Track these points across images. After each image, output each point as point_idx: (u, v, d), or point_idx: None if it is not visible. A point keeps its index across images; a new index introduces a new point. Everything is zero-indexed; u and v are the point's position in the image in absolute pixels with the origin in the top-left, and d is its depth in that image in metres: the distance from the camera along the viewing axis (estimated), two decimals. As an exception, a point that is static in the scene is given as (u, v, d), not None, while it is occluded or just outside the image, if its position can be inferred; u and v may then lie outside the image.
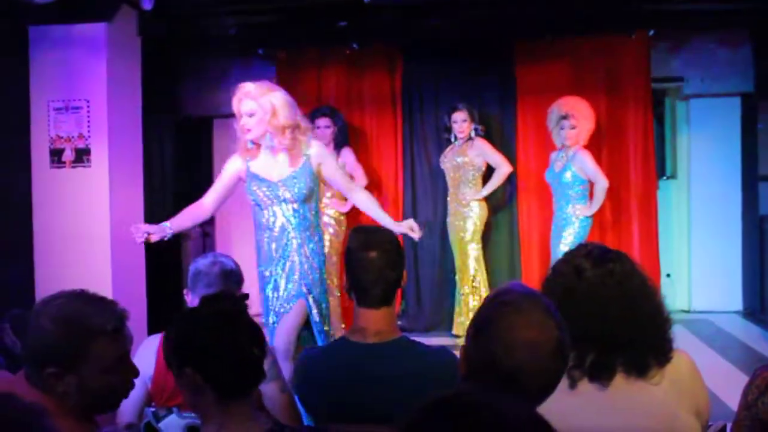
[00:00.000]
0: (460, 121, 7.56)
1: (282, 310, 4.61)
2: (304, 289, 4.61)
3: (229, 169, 4.84)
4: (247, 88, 4.71)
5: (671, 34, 8.28)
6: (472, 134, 7.59)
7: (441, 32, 7.87)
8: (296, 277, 4.60)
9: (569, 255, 2.38)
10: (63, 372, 2.08)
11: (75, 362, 2.09)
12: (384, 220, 4.79)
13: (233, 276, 3.36)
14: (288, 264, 4.62)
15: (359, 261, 2.76)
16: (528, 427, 1.19)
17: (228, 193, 4.94)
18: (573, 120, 7.15)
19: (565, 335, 1.87)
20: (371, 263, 2.74)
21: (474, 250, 7.58)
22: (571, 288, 2.28)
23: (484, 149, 7.59)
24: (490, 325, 1.85)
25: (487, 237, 7.84)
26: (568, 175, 7.11)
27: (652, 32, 7.88)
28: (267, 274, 4.66)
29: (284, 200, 4.61)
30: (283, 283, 4.61)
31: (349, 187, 4.98)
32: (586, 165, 7.10)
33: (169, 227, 4.64)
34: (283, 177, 4.62)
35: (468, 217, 7.55)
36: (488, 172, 7.67)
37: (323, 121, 7.53)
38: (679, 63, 8.58)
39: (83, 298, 2.17)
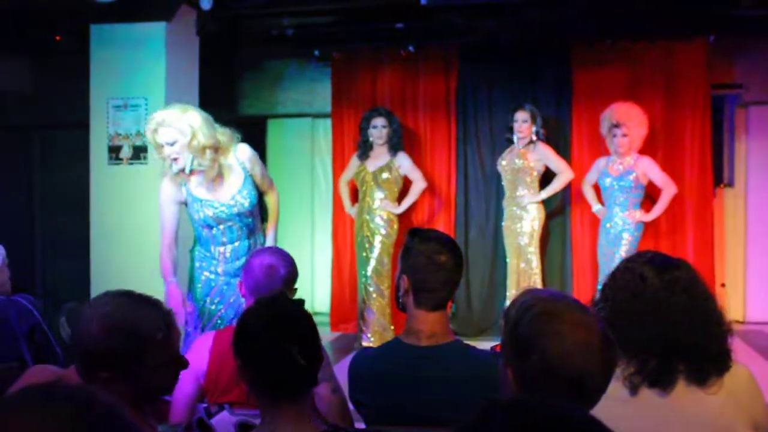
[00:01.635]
0: (521, 121, 7.50)
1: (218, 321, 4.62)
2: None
3: (169, 200, 4.67)
4: (159, 117, 4.49)
5: (731, 40, 8.15)
6: (533, 137, 7.52)
7: (497, 34, 7.84)
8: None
9: (630, 262, 2.36)
10: (116, 377, 2.11)
11: (128, 368, 2.12)
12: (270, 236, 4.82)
13: (289, 277, 3.35)
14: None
15: (429, 264, 2.73)
16: (589, 430, 1.18)
17: (174, 225, 4.75)
18: (625, 128, 7.10)
19: (603, 324, 1.86)
20: (442, 266, 2.72)
21: (532, 254, 7.52)
22: (635, 294, 2.26)
23: (546, 154, 7.53)
24: (535, 340, 1.82)
25: (541, 243, 7.78)
26: (631, 179, 7.08)
27: (712, 38, 7.77)
28: (211, 278, 4.68)
29: (239, 215, 4.59)
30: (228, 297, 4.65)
31: (270, 188, 4.92)
32: (654, 171, 7.15)
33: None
34: (233, 193, 4.57)
35: (525, 220, 7.49)
36: (545, 175, 7.62)
37: (380, 121, 7.55)
38: (739, 69, 8.44)
39: (131, 302, 2.18)
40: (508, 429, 1.13)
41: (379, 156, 7.62)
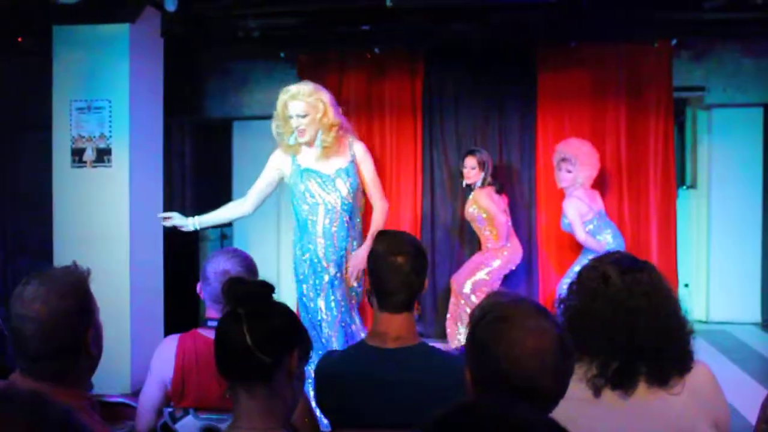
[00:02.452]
0: (469, 168, 7.37)
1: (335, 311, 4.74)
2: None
3: (273, 165, 4.95)
4: (294, 89, 4.77)
5: (694, 43, 8.25)
6: (478, 184, 7.34)
7: (463, 37, 7.86)
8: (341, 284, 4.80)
9: (596, 261, 2.38)
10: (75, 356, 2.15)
11: (78, 346, 2.20)
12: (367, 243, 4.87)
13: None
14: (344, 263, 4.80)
15: (385, 265, 2.76)
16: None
17: (270, 189, 5.08)
18: (569, 164, 7.09)
19: (563, 330, 1.87)
20: (399, 268, 2.73)
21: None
22: (596, 293, 2.28)
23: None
24: (490, 344, 1.83)
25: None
26: (565, 221, 7.14)
27: (674, 41, 7.86)
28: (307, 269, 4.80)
29: (339, 193, 4.68)
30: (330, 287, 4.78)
31: (378, 195, 5.03)
32: (567, 214, 7.06)
33: (193, 224, 4.94)
34: (336, 170, 4.74)
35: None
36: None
37: None
38: (701, 72, 8.54)
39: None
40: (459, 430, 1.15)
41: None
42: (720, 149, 8.80)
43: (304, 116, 4.72)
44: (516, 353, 1.79)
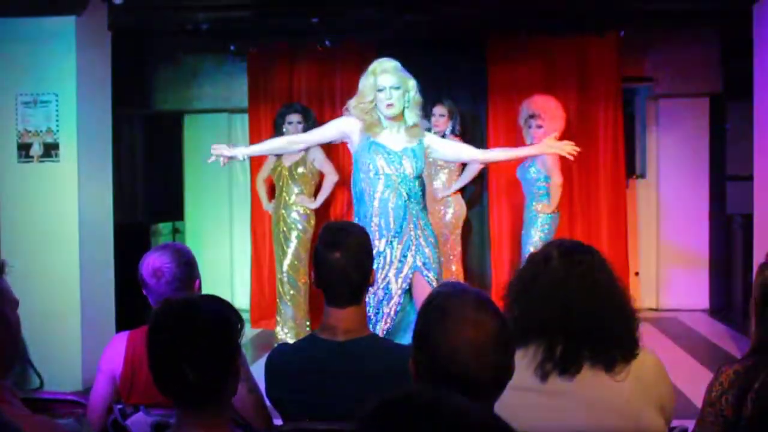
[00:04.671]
0: (438, 115, 7.60)
1: (392, 287, 4.65)
2: (419, 263, 4.68)
3: (339, 126, 4.93)
4: (387, 63, 4.80)
5: (641, 34, 8.35)
6: (447, 131, 7.58)
7: (413, 29, 7.87)
8: (412, 251, 4.67)
9: (545, 246, 2.43)
10: None
11: None
12: (520, 152, 5.70)
13: (179, 278, 3.10)
14: (404, 238, 4.67)
15: (324, 260, 2.76)
16: (481, 422, 1.20)
17: (320, 143, 5.49)
18: (539, 120, 7.14)
19: (504, 323, 1.87)
20: (335, 263, 2.73)
21: (455, 242, 7.61)
22: (536, 274, 2.32)
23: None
24: (429, 335, 1.84)
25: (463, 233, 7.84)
26: (532, 171, 7.04)
27: (622, 33, 7.95)
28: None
29: (404, 173, 4.67)
30: (398, 256, 4.66)
31: (469, 148, 5.37)
32: (546, 160, 7.01)
33: (243, 154, 5.03)
34: (404, 147, 4.72)
35: (447, 215, 7.55)
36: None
37: (295, 117, 7.53)
38: (648, 63, 8.66)
39: None
40: (399, 424, 1.16)
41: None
42: (668, 139, 8.92)
43: (397, 88, 4.71)
44: (452, 345, 1.79)
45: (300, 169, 7.50)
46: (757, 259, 2.59)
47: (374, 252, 4.40)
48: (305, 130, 7.52)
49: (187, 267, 3.13)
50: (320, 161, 7.57)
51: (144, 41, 8.47)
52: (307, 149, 7.07)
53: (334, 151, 8.00)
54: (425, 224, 4.80)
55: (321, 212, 7.72)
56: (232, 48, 8.34)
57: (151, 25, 7.63)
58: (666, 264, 8.94)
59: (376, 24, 7.90)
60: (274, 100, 8.21)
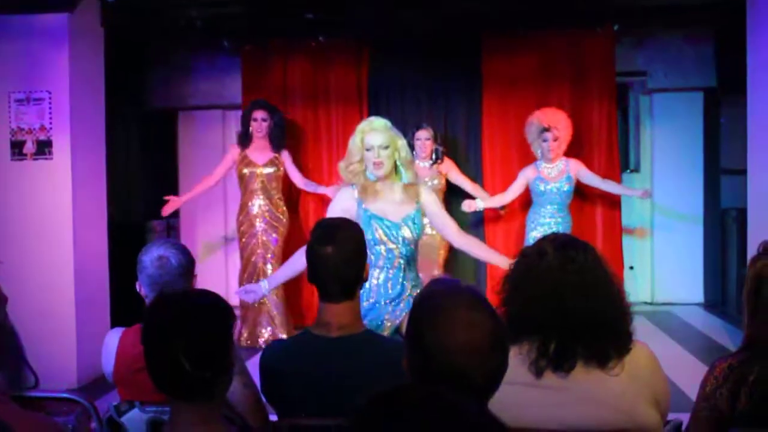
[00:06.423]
0: (423, 140, 7.49)
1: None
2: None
3: (341, 206, 4.52)
4: (375, 122, 4.53)
5: (636, 29, 8.36)
6: (433, 156, 7.54)
7: (409, 25, 7.86)
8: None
9: (539, 240, 2.41)
10: None
11: None
12: (494, 258, 4.70)
13: (183, 268, 3.14)
14: (402, 304, 4.45)
15: (316, 256, 2.76)
16: (474, 417, 1.20)
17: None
18: (555, 131, 7.15)
19: (498, 322, 1.84)
20: (327, 259, 2.73)
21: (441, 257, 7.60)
22: (530, 268, 2.31)
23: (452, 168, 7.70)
24: (422, 333, 1.82)
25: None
26: (567, 186, 7.19)
27: (617, 27, 7.94)
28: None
29: (403, 240, 4.42)
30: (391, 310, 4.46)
31: (453, 227, 4.73)
32: (589, 175, 7.33)
33: (266, 286, 4.47)
34: (403, 217, 4.46)
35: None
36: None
37: (260, 114, 7.56)
38: (643, 58, 8.66)
39: None
40: (392, 420, 1.16)
41: (264, 149, 7.66)
42: (662, 133, 8.93)
43: (386, 147, 4.42)
44: (445, 345, 1.77)
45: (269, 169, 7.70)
46: (751, 253, 2.58)
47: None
48: (270, 127, 7.56)
49: (190, 257, 3.17)
50: (288, 167, 7.77)
51: (138, 38, 8.44)
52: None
53: (329, 148, 8.01)
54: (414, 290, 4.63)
55: (312, 212, 7.75)
56: (225, 44, 8.33)
57: (145, 22, 7.60)
58: (660, 258, 8.96)
59: (369, 21, 7.88)
60: (267, 97, 8.19)
